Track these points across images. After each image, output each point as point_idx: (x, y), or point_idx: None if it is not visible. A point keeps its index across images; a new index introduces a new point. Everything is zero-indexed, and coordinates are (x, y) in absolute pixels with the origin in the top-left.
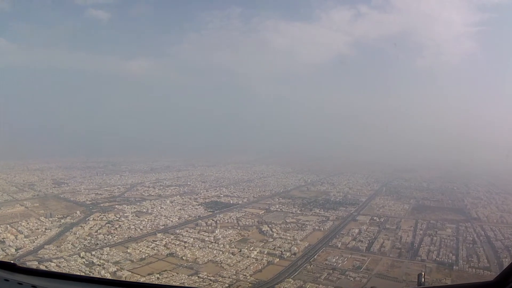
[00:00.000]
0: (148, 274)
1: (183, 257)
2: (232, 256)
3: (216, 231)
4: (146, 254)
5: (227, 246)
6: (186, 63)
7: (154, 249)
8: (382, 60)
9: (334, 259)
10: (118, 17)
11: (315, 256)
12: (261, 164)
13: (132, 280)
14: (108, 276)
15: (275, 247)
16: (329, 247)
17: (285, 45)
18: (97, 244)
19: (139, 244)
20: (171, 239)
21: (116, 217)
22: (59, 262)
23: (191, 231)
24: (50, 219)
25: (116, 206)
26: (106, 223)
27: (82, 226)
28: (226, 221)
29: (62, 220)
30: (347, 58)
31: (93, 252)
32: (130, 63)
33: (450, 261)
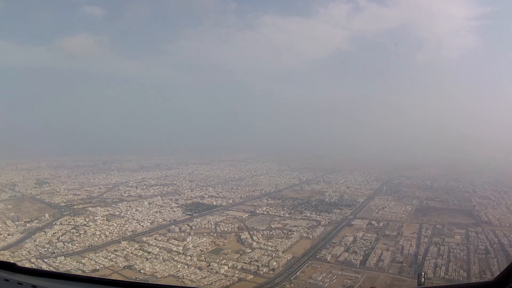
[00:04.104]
0: None
1: (141, 270)
2: (198, 271)
3: (188, 239)
4: (102, 266)
5: (195, 259)
6: (182, 59)
7: (112, 260)
8: (381, 55)
9: (321, 277)
10: (113, 13)
11: (298, 273)
12: (256, 162)
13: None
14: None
15: (251, 261)
16: (317, 261)
17: (283, 40)
18: (54, 252)
19: (97, 254)
20: (135, 248)
21: (85, 221)
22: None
23: (159, 239)
24: (16, 223)
25: (90, 208)
26: (71, 228)
27: (45, 232)
28: (203, 226)
29: (28, 224)
30: (346, 53)
31: (46, 260)
32: (126, 61)
33: (461, 278)
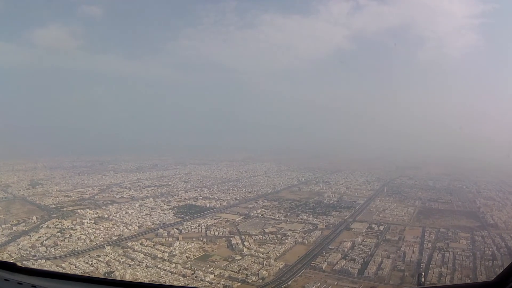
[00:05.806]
0: None
1: (121, 278)
2: (181, 278)
3: (175, 244)
4: (81, 271)
5: (180, 267)
6: (182, 59)
7: (93, 266)
8: (382, 54)
9: (314, 287)
10: (112, 13)
11: (290, 282)
12: (255, 162)
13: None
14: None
15: (240, 269)
16: (311, 269)
17: (282, 39)
18: (35, 256)
19: (78, 259)
20: (119, 254)
21: (72, 224)
22: None
23: (146, 244)
24: (3, 225)
25: (79, 210)
26: (57, 232)
27: (30, 236)
28: (193, 230)
29: (14, 228)
30: (346, 51)
31: (25, 262)
32: (126, 61)
33: None
